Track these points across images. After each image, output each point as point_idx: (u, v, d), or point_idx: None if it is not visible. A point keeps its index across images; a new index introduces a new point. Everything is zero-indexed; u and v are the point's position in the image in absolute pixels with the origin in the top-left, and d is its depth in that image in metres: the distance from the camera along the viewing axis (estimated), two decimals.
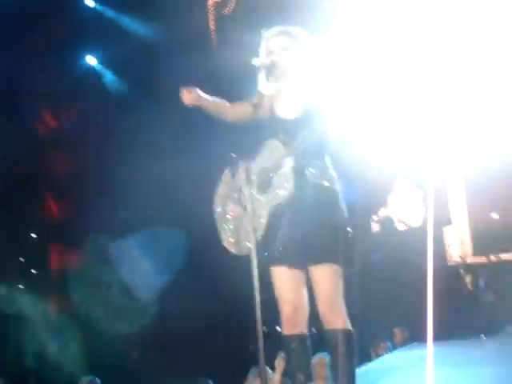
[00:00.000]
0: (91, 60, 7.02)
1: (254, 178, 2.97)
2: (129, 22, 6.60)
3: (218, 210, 3.10)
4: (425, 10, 4.01)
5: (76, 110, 7.12)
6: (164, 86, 5.72)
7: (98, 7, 6.62)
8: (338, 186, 3.02)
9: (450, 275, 6.38)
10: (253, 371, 4.75)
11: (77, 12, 6.63)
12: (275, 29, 3.16)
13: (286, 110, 3.10)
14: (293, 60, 3.10)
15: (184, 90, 3.21)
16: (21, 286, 7.43)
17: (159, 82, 6.01)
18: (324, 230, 2.89)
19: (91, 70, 7.05)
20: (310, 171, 2.95)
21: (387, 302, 5.94)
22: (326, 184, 2.97)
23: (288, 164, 2.92)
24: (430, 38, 3.86)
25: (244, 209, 2.93)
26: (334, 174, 3.03)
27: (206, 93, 3.27)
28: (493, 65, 4.66)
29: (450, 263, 6.59)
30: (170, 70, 5.84)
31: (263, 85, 3.11)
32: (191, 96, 3.20)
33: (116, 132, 6.76)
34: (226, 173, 3.12)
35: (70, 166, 7.29)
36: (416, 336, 5.53)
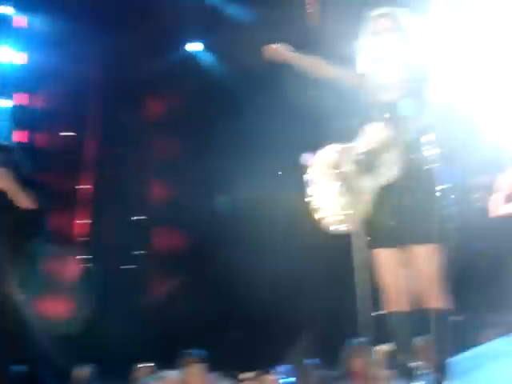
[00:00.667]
0: (194, 46, 7.18)
1: (359, 158, 2.99)
2: (231, 8, 6.71)
3: (319, 186, 3.11)
4: None
5: (179, 96, 7.30)
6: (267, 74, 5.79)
7: None
8: (437, 168, 3.02)
9: None
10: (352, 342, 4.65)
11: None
12: (379, 10, 3.15)
13: (388, 93, 3.08)
14: (396, 42, 3.08)
15: (267, 47, 3.23)
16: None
17: (262, 70, 6.06)
18: (424, 211, 2.92)
19: (194, 57, 7.22)
20: (416, 155, 2.96)
21: (493, 289, 5.76)
22: (428, 168, 2.98)
23: (395, 147, 2.92)
24: None
25: (347, 188, 2.96)
26: (434, 154, 3.02)
27: None
28: None
29: None
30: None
31: (365, 65, 3.11)
32: (276, 50, 3.21)
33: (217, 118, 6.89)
34: (327, 151, 3.13)
35: (174, 151, 7.50)
36: None
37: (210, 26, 6.96)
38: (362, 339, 2.96)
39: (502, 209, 6.41)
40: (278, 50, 3.24)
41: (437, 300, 2.92)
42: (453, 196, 3.18)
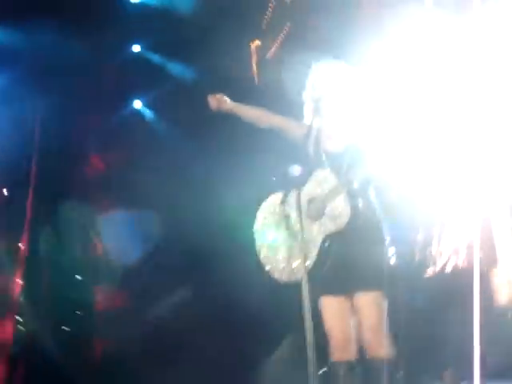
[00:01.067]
0: (138, 103, 7.21)
1: (304, 206, 3.02)
2: (173, 66, 6.79)
3: (267, 236, 3.13)
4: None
5: (123, 154, 7.27)
6: (209, 128, 5.84)
7: (145, 52, 6.85)
8: (382, 218, 3.10)
9: (498, 317, 6.25)
10: None
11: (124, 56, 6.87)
12: (323, 63, 3.25)
13: (331, 143, 3.16)
14: (339, 94, 3.17)
15: (211, 97, 3.29)
16: None
17: (203, 124, 6.11)
18: (370, 260, 2.98)
19: (138, 114, 7.24)
20: (361, 203, 3.02)
21: (435, 342, 5.82)
22: (374, 216, 3.03)
23: (342, 195, 2.96)
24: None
25: (294, 236, 2.97)
26: (377, 206, 3.09)
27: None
28: None
29: (497, 305, 6.48)
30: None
31: (309, 117, 3.18)
32: (219, 101, 3.30)
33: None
34: (273, 200, 3.15)
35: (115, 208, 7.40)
36: (466, 377, 5.40)
37: (152, 83, 7.01)
38: None
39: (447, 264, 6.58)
40: (222, 100, 3.29)
41: (380, 349, 2.95)
42: (394, 248, 3.23)
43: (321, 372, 3.12)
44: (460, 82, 3.87)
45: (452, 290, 6.01)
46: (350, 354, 3.00)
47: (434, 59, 4.03)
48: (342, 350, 3.00)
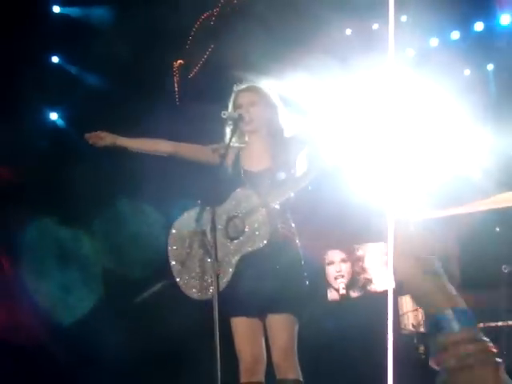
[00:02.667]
0: (53, 115, 7.02)
1: (222, 224, 3.00)
2: (91, 78, 6.67)
3: (180, 254, 3.08)
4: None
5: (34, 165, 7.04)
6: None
7: (63, 64, 6.70)
8: (298, 240, 3.09)
9: (404, 343, 6.41)
10: None
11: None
12: (245, 84, 3.27)
13: (251, 163, 3.16)
14: (260, 114, 3.18)
15: (88, 135, 3.26)
16: None
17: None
18: (285, 281, 2.97)
19: (52, 125, 7.04)
20: (282, 224, 3.01)
21: (342, 368, 5.89)
22: (293, 237, 3.04)
23: (262, 215, 2.95)
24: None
25: (208, 254, 2.93)
26: (295, 227, 3.11)
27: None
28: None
29: (404, 332, 6.65)
30: (134, 125, 5.89)
31: (230, 137, 3.17)
32: (98, 137, 3.26)
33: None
34: (188, 216, 3.11)
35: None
36: None
37: (70, 95, 6.85)
38: None
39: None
40: (101, 137, 3.26)
41: (289, 371, 2.94)
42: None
43: None
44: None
45: (361, 314, 6.14)
46: (259, 376, 2.98)
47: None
48: (251, 372, 2.97)
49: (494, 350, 1.62)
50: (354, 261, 6.72)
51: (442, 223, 2.09)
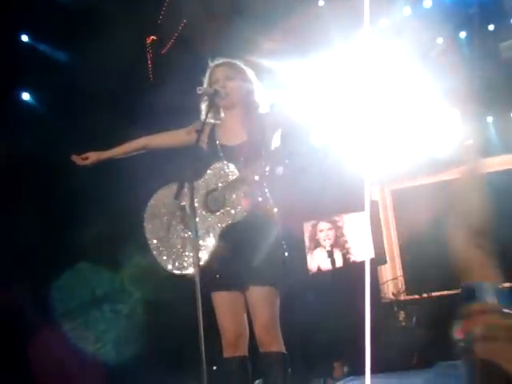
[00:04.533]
0: (25, 95, 6.91)
1: (201, 198, 3.00)
2: (63, 56, 6.56)
3: (159, 231, 3.08)
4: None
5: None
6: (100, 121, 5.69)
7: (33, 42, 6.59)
8: (276, 212, 3.11)
9: (384, 311, 6.50)
10: None
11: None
12: (220, 59, 3.25)
13: (228, 138, 3.16)
14: (236, 89, 3.17)
15: (75, 157, 3.36)
16: None
17: (95, 118, 5.94)
18: (265, 253, 2.97)
19: (25, 106, 6.94)
20: (260, 196, 3.03)
21: (326, 337, 5.97)
22: (272, 210, 3.05)
23: (241, 187, 2.96)
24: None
25: (188, 229, 2.94)
26: (272, 199, 3.12)
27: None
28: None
29: (384, 300, 6.75)
30: (108, 105, 5.83)
31: (205, 113, 3.16)
32: (83, 158, 3.36)
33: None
34: (166, 192, 3.11)
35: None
36: (355, 370, 5.58)
37: (41, 75, 6.74)
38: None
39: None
40: (85, 157, 3.37)
41: (272, 344, 2.96)
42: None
43: (214, 368, 3.11)
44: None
45: (343, 284, 6.20)
46: (242, 350, 3.00)
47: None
48: (233, 347, 2.98)
49: None
50: (337, 229, 7.04)
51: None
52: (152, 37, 6.77)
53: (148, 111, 5.62)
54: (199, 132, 3.06)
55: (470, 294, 1.68)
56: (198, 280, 2.67)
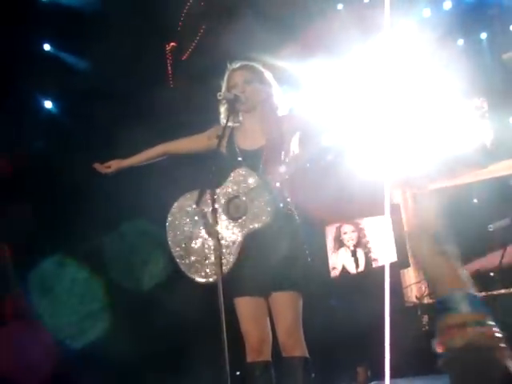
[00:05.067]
0: (48, 104, 6.97)
1: (222, 205, 3.00)
2: (85, 64, 6.63)
3: (181, 239, 3.08)
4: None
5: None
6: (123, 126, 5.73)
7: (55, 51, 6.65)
8: (298, 218, 3.10)
9: (408, 315, 6.45)
10: None
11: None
12: (238, 63, 3.25)
13: (247, 142, 3.16)
14: (255, 93, 3.17)
15: (98, 166, 3.40)
16: None
17: (118, 124, 5.97)
18: (287, 258, 2.97)
19: (48, 114, 7.00)
20: (282, 202, 3.03)
21: (349, 342, 5.93)
22: (294, 215, 3.04)
23: (263, 194, 2.95)
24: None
25: (211, 236, 2.94)
26: (293, 205, 3.12)
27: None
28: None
29: (407, 304, 6.69)
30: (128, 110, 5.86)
31: (225, 117, 3.17)
32: (106, 167, 3.39)
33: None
34: (187, 199, 3.12)
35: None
36: (379, 375, 5.54)
37: (64, 83, 6.80)
38: None
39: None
40: (107, 166, 3.40)
41: (295, 349, 2.95)
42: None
43: (238, 374, 3.10)
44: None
45: (366, 288, 6.17)
46: (265, 355, 2.99)
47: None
48: (257, 352, 2.98)
49: (501, 335, 1.62)
50: (359, 231, 7.17)
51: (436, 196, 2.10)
52: (172, 43, 6.80)
53: (167, 117, 5.65)
54: (220, 137, 3.07)
55: (445, 307, 1.67)
56: (220, 287, 2.67)
